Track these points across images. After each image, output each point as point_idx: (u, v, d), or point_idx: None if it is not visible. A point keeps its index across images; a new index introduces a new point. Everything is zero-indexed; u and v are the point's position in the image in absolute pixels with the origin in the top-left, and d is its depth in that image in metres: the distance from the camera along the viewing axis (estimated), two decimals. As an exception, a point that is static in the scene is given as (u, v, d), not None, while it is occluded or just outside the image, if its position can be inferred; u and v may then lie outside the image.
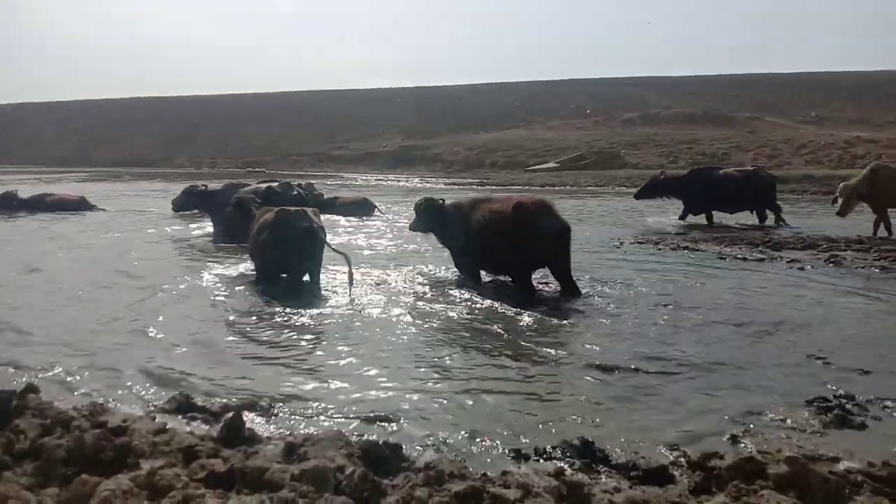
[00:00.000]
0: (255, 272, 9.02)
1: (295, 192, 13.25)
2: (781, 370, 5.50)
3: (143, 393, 4.84)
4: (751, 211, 16.28)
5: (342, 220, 16.60)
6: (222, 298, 8.17)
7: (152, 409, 4.45)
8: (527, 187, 33.47)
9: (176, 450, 3.49)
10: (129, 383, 5.04)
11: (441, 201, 9.76)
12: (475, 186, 34.86)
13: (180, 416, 4.31)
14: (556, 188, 32.32)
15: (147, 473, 3.12)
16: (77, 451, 3.37)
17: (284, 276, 8.55)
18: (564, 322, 6.95)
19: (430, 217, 9.66)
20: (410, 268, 9.97)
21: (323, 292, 8.37)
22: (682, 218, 16.72)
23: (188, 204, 15.43)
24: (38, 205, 18.72)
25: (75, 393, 4.83)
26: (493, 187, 34.11)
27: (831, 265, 10.08)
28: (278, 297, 7.87)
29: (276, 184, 13.82)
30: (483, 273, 9.26)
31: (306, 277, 8.51)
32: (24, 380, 4.97)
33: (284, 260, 8.36)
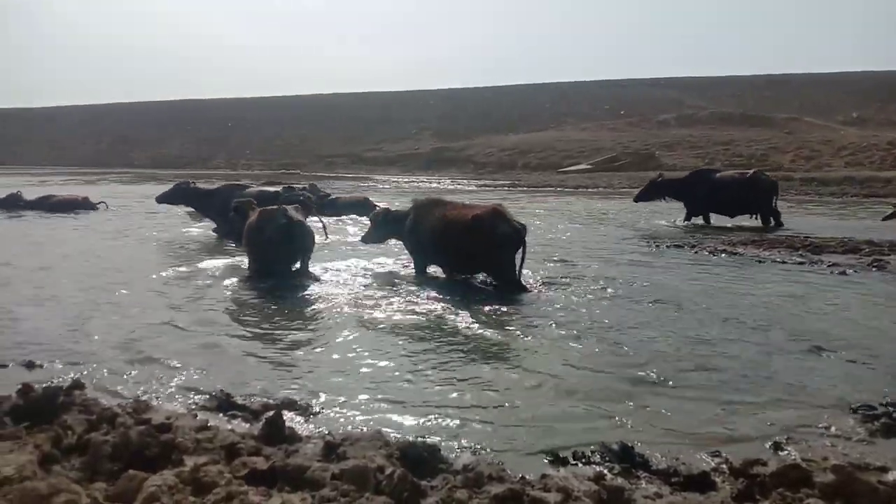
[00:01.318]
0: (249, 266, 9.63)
1: (300, 196, 13.39)
2: (825, 377, 5.38)
3: (183, 390, 4.92)
4: (751, 215, 16.11)
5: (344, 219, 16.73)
6: (236, 292, 8.51)
7: (193, 406, 4.52)
8: (560, 189, 33.31)
9: (219, 447, 3.54)
10: (168, 380, 5.13)
11: (396, 209, 10.36)
12: (507, 188, 34.78)
13: (221, 414, 4.38)
14: (590, 189, 32.07)
15: (191, 470, 3.17)
16: (123, 447, 3.44)
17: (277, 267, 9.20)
18: (601, 324, 6.89)
19: (387, 226, 10.15)
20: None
21: (326, 285, 8.88)
22: (686, 220, 16.65)
23: (175, 199, 15.51)
24: (42, 205, 19.25)
25: (116, 388, 4.93)
26: (525, 188, 34.01)
27: (875, 269, 9.83)
28: (278, 287, 8.54)
29: (281, 188, 14.16)
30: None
31: (296, 267, 9.32)
32: (70, 376, 5.10)
33: (270, 253, 9.05)
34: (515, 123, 66.78)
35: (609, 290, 8.56)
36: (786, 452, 4.03)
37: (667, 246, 12.41)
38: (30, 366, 5.39)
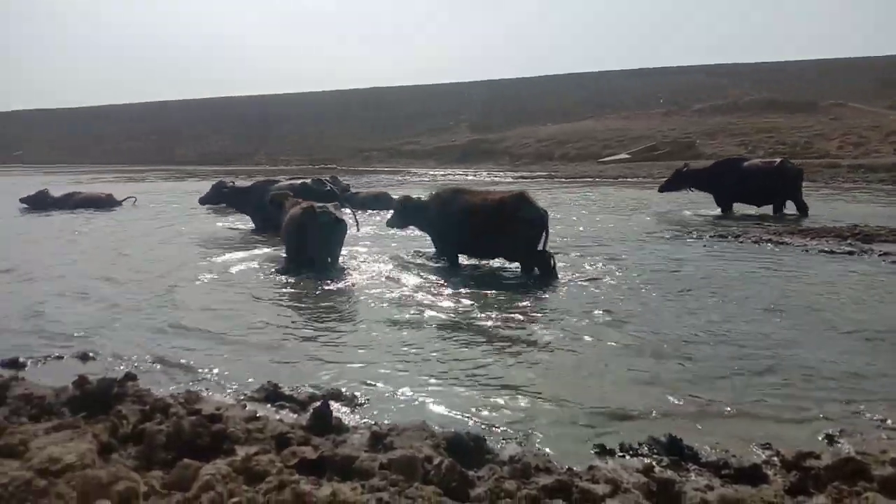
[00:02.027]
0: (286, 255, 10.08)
1: (328, 188, 13.88)
2: (878, 368, 5.23)
3: (231, 381, 5.02)
4: (776, 204, 15.78)
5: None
6: (274, 284, 8.71)
7: (242, 397, 4.61)
8: (598, 179, 32.95)
9: (269, 437, 3.61)
10: (215, 371, 5.24)
11: (417, 198, 10.57)
12: (545, 179, 34.54)
13: (269, 405, 4.46)
14: (629, 179, 31.63)
15: (243, 459, 3.23)
16: (176, 437, 3.53)
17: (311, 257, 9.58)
18: (643, 314, 6.80)
19: (409, 212, 10.45)
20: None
21: (358, 276, 9.08)
22: (724, 211, 16.41)
23: (215, 199, 16.10)
24: (68, 202, 19.83)
25: (167, 379, 5.05)
26: (563, 179, 33.73)
27: (928, 258, 9.50)
28: (314, 278, 8.75)
29: (310, 180, 14.49)
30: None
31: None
32: (122, 367, 5.24)
33: (307, 245, 9.49)
34: (552, 114, 66.19)
35: (651, 280, 8.49)
36: (839, 445, 3.94)
37: (710, 236, 12.19)
38: (84, 357, 5.56)
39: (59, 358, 5.58)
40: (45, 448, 3.40)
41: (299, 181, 14.42)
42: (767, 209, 15.91)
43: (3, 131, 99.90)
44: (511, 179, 35.37)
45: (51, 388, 4.46)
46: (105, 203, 20.10)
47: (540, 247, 8.83)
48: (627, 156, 43.17)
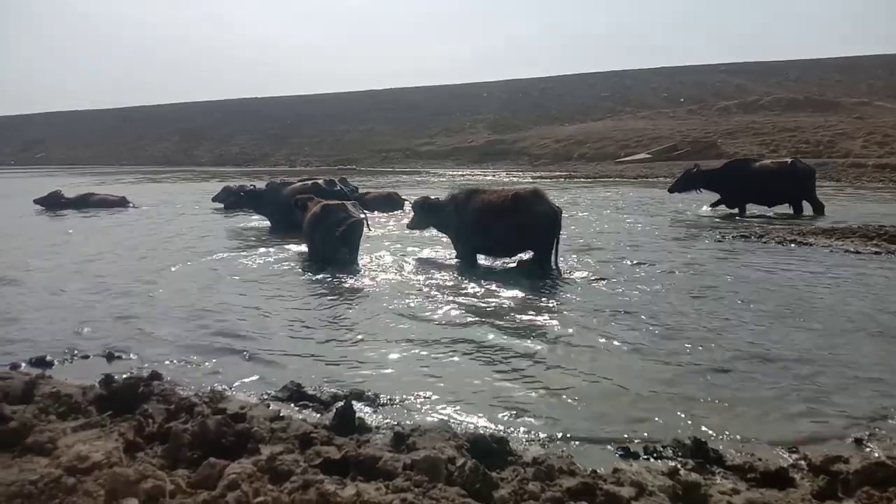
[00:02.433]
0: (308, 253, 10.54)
1: (338, 188, 14.19)
2: (908, 371, 5.14)
3: (254, 380, 5.05)
4: (788, 204, 15.70)
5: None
6: (295, 284, 8.82)
7: (266, 396, 4.63)
8: (618, 179, 32.77)
9: (293, 436, 3.62)
10: (238, 370, 5.29)
11: (435, 199, 10.73)
12: (563, 180, 34.41)
13: (292, 404, 4.48)
14: (649, 179, 31.41)
15: (268, 458, 3.25)
16: (201, 436, 3.55)
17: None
18: (665, 315, 6.75)
19: (428, 213, 10.60)
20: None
21: (377, 276, 9.21)
22: (732, 208, 16.33)
23: (227, 199, 16.84)
24: (83, 203, 20.21)
25: (191, 378, 5.09)
26: (583, 180, 33.58)
27: (957, 259, 9.33)
28: (335, 277, 8.90)
29: (322, 181, 14.78)
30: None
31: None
32: (146, 367, 5.30)
33: (328, 244, 9.77)
34: (570, 114, 65.97)
35: (673, 281, 8.44)
36: (868, 449, 3.88)
37: (733, 237, 12.06)
38: (109, 357, 5.62)
39: (86, 357, 5.65)
40: (73, 446, 3.45)
41: (310, 182, 14.64)
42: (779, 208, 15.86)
43: (26, 133, 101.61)
44: (530, 179, 35.26)
45: (78, 387, 4.52)
46: (118, 205, 20.47)
47: (552, 242, 9.03)
48: (647, 156, 42.87)
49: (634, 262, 9.77)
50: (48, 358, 5.54)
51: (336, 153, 68.42)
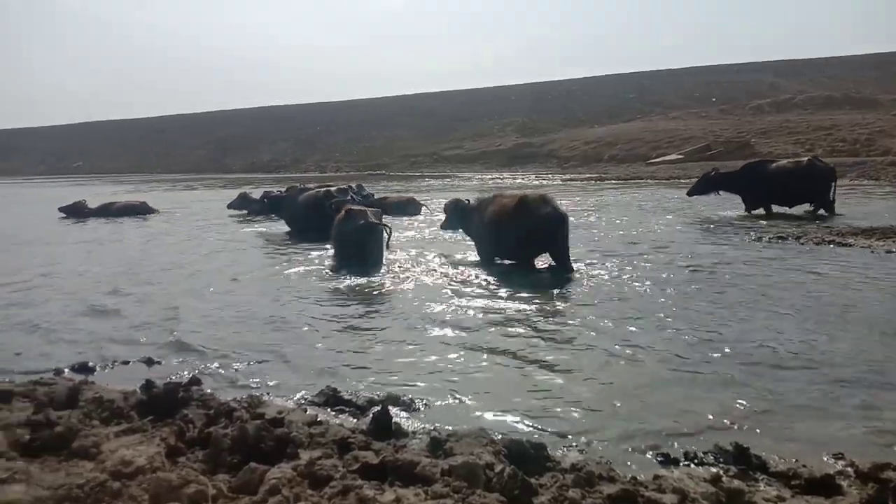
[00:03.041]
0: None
1: (349, 196, 14.36)
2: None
3: (290, 385, 5.09)
4: (809, 203, 15.73)
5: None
6: (323, 288, 8.91)
7: (303, 401, 4.67)
8: (650, 181, 32.44)
9: (331, 441, 3.64)
10: (274, 375, 5.34)
11: (466, 201, 10.99)
12: (593, 182, 34.17)
13: (329, 409, 4.50)
14: (682, 181, 31.02)
15: (307, 463, 3.27)
16: (241, 441, 3.59)
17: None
18: (704, 320, 6.64)
19: (457, 216, 11.01)
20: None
21: (404, 279, 9.36)
22: (749, 211, 16.28)
23: (253, 208, 17.45)
24: (105, 212, 20.94)
25: (229, 383, 5.15)
26: (613, 182, 33.31)
27: None
28: (362, 281, 9.09)
29: (335, 188, 15.00)
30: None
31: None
32: (185, 372, 5.38)
33: (351, 246, 10.21)
34: (599, 116, 65.51)
35: (710, 283, 8.30)
36: (919, 457, 3.76)
37: (769, 238, 11.84)
38: (149, 362, 5.71)
39: (126, 363, 5.75)
40: (116, 451, 3.51)
41: (323, 189, 14.94)
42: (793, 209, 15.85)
43: (63, 144, 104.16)
44: (559, 182, 35.12)
45: (120, 392, 4.60)
46: (141, 210, 21.13)
47: (561, 245, 9.31)
48: (679, 156, 42.38)
49: (670, 265, 9.66)
50: (90, 363, 5.65)
51: (365, 158, 68.92)
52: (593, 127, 60.84)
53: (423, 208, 18.99)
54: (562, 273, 9.16)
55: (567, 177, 40.05)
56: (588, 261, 10.09)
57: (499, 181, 39.33)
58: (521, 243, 9.59)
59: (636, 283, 8.42)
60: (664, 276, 8.85)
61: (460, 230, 11.32)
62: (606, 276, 8.90)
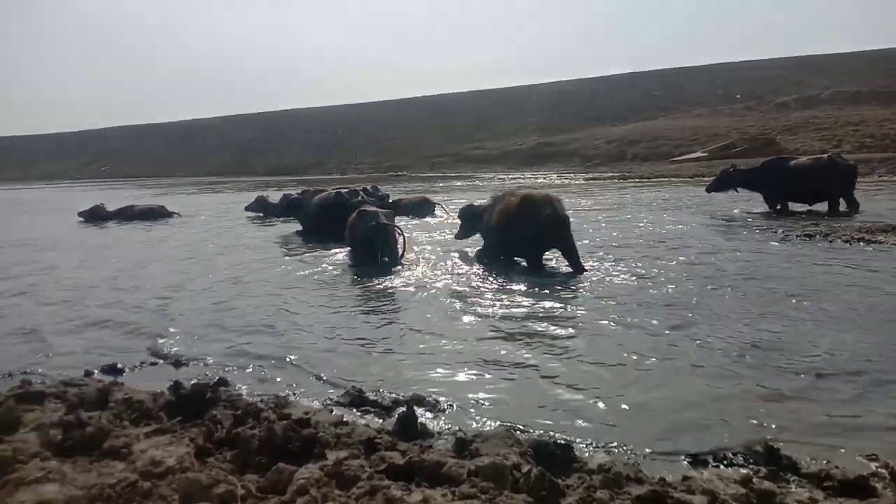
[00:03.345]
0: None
1: (360, 198, 14.34)
2: None
3: (316, 385, 5.12)
4: (830, 201, 15.36)
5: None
6: (343, 288, 9.06)
7: (329, 402, 4.69)
8: (674, 178, 32.14)
9: (357, 442, 3.65)
10: (300, 375, 5.37)
11: (479, 205, 11.14)
12: (617, 180, 33.94)
13: (355, 410, 4.52)
14: (706, 178, 30.64)
15: (334, 464, 3.29)
16: (268, 441, 3.62)
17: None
18: (731, 318, 6.56)
19: (468, 221, 11.29)
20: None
21: (421, 279, 9.41)
22: (774, 209, 16.05)
23: (275, 211, 17.64)
24: (123, 215, 21.23)
25: (255, 383, 5.19)
26: (637, 180, 33.06)
27: None
28: (381, 281, 9.21)
29: (346, 190, 15.06)
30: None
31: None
32: (213, 373, 5.43)
33: (363, 248, 10.66)
34: (622, 114, 65.02)
35: (740, 283, 8.18)
36: (955, 458, 3.68)
37: (797, 235, 11.67)
38: (177, 363, 5.78)
39: (154, 364, 5.83)
40: (146, 451, 3.56)
41: (333, 191, 15.06)
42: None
43: (90, 149, 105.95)
44: (582, 181, 34.93)
45: (148, 393, 4.66)
46: (159, 214, 21.36)
47: (566, 244, 9.40)
48: (704, 154, 41.90)
49: (698, 263, 9.56)
50: (119, 365, 5.73)
51: (386, 159, 69.12)
52: (615, 125, 60.38)
53: (438, 207, 19.09)
54: (575, 272, 9.16)
55: (590, 176, 39.81)
56: (607, 259, 10.09)
57: (520, 181, 39.22)
58: (525, 243, 9.72)
59: (662, 283, 8.34)
60: (689, 276, 8.75)
61: (476, 235, 11.31)
62: (630, 276, 8.82)
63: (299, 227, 16.01)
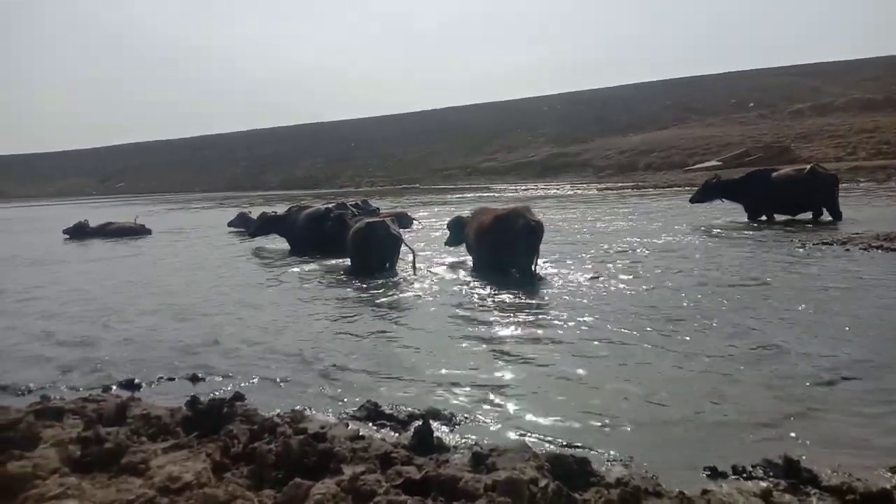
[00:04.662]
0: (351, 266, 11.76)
1: (349, 212, 14.53)
2: None
3: (332, 400, 5.13)
4: (812, 212, 15.62)
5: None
6: (348, 299, 9.21)
7: (344, 416, 4.69)
8: (689, 188, 31.99)
9: (373, 456, 3.65)
10: (315, 390, 5.38)
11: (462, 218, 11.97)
12: (630, 190, 33.84)
13: (370, 424, 4.52)
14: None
15: (350, 479, 3.28)
16: (285, 456, 3.62)
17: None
18: (747, 328, 6.51)
19: (454, 231, 12.01)
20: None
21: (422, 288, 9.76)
22: (753, 220, 16.27)
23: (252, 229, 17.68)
24: (103, 232, 21.63)
25: (270, 399, 5.20)
26: (651, 190, 32.94)
27: None
28: (386, 293, 9.47)
29: (334, 203, 15.32)
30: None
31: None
32: (228, 388, 5.45)
33: (364, 255, 11.27)
34: (634, 124, 64.92)
35: (759, 291, 8.12)
36: (981, 470, 3.62)
37: (814, 244, 11.57)
38: (194, 379, 5.81)
39: (171, 379, 5.86)
40: (164, 467, 3.57)
41: (323, 206, 15.26)
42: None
43: (107, 165, 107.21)
44: (595, 191, 34.86)
45: (166, 409, 4.67)
46: (137, 232, 21.78)
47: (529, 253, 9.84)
48: (718, 163, 41.73)
49: (715, 272, 9.50)
50: (136, 380, 5.77)
51: (398, 173, 69.39)
52: (628, 135, 60.30)
53: (416, 222, 19.49)
54: (522, 278, 9.73)
55: (603, 186, 39.74)
56: (614, 266, 10.21)
57: (533, 192, 39.20)
58: (503, 251, 10.21)
59: (677, 294, 8.29)
60: (705, 286, 8.70)
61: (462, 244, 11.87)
62: (658, 285, 8.76)
63: (279, 243, 16.26)
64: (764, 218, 16.12)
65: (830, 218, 15.22)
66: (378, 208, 19.85)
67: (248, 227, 20.25)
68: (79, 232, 21.68)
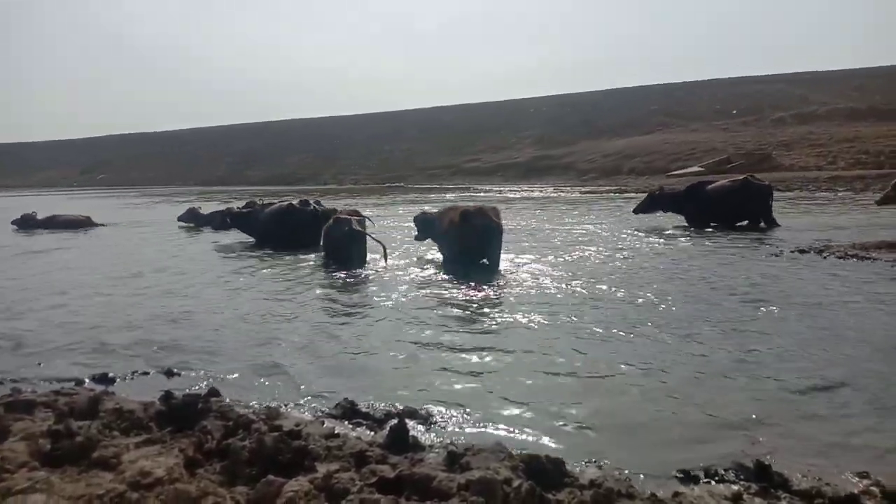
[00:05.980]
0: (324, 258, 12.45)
1: (311, 207, 14.98)
2: None
3: (308, 397, 5.10)
4: (749, 221, 16.22)
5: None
6: (326, 296, 9.25)
7: (320, 413, 4.67)
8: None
9: (348, 454, 3.64)
10: (291, 387, 5.35)
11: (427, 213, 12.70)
12: (613, 194, 34.03)
13: (346, 422, 4.50)
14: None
15: (324, 476, 3.27)
16: (259, 453, 3.60)
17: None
18: (724, 332, 6.57)
19: (423, 227, 12.46)
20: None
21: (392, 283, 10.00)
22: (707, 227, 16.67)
23: (215, 223, 18.00)
24: (51, 224, 21.67)
25: (246, 395, 5.17)
26: (633, 195, 33.14)
27: None
28: (365, 289, 9.69)
29: (297, 201, 15.55)
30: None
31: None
32: (204, 383, 5.41)
33: (340, 249, 11.86)
34: (619, 128, 65.31)
35: (734, 298, 8.20)
36: (947, 476, 3.68)
37: (790, 251, 11.71)
38: (168, 374, 5.76)
39: (146, 373, 5.80)
40: (136, 461, 3.53)
41: (286, 203, 15.48)
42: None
43: (88, 156, 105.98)
44: (578, 194, 35.02)
45: (139, 403, 4.63)
46: (83, 224, 21.77)
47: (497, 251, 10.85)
48: (700, 169, 42.12)
49: (697, 279, 9.58)
50: (110, 374, 5.70)
51: (383, 171, 69.30)
52: (612, 139, 60.64)
53: (368, 221, 19.51)
54: (491, 271, 10.40)
55: (586, 189, 39.95)
56: (591, 267, 10.13)
57: (516, 193, 39.30)
58: (465, 246, 10.95)
59: (657, 298, 8.35)
60: (686, 291, 8.77)
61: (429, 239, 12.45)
62: (639, 291, 8.83)
63: (237, 237, 16.41)
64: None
65: (772, 225, 15.83)
66: (335, 208, 20.01)
67: (197, 221, 20.74)
68: (27, 223, 21.76)
